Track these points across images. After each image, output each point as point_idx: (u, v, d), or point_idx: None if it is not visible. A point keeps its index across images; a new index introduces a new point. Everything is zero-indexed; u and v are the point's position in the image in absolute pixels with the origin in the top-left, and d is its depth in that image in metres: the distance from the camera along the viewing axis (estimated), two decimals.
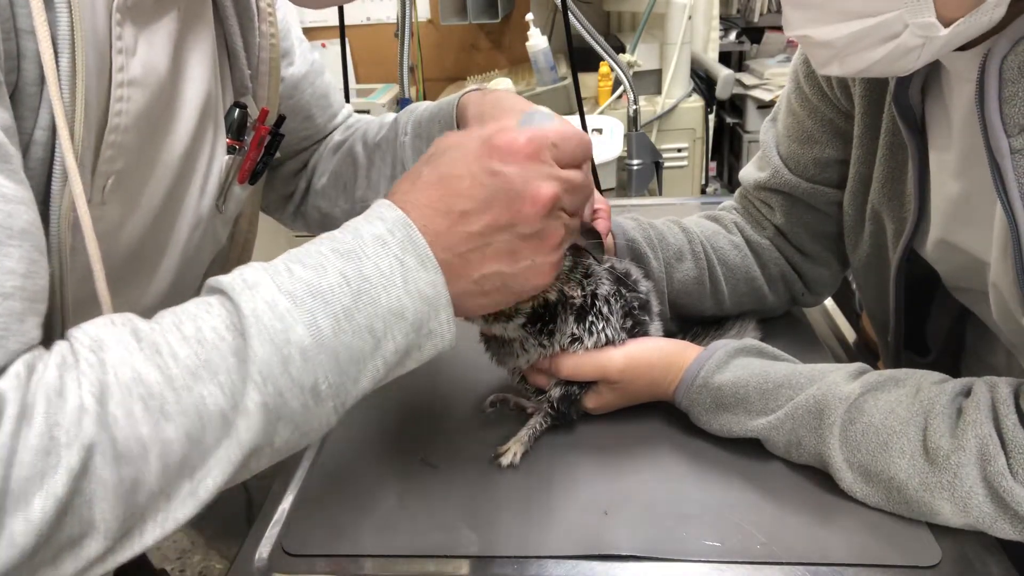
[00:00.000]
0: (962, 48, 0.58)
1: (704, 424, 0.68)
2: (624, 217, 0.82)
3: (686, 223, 0.85)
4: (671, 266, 0.80)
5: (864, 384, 0.62)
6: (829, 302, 0.96)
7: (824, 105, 0.76)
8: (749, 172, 0.86)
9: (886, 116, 0.70)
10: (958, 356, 0.81)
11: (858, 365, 0.65)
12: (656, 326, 0.73)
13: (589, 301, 0.68)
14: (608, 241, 0.78)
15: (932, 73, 0.65)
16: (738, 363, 0.67)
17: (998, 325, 0.67)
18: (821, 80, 0.75)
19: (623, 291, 0.70)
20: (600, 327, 0.68)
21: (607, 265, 0.71)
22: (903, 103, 0.66)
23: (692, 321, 0.84)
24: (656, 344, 0.71)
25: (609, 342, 0.69)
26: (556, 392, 0.70)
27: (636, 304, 0.70)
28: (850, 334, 0.92)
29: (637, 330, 0.71)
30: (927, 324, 0.81)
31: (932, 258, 0.71)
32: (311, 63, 0.87)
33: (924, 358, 0.81)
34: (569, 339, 0.68)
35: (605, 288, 0.69)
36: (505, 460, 0.67)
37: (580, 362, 0.68)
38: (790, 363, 0.68)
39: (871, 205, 0.75)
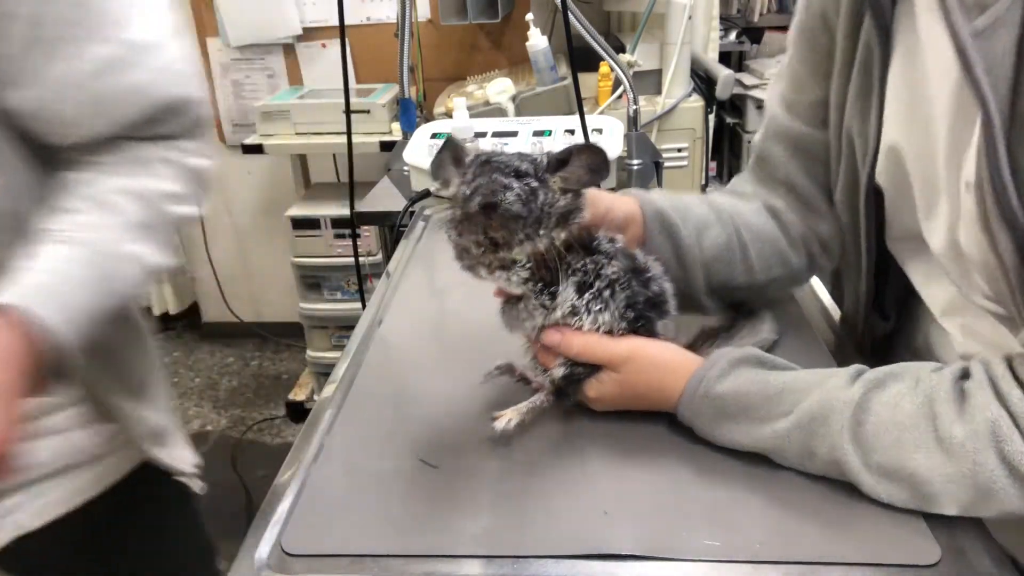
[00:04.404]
0: None
1: (710, 436, 0.68)
2: (649, 191, 0.83)
3: (708, 197, 0.86)
4: (700, 234, 0.81)
5: (864, 383, 0.62)
6: (829, 302, 0.96)
7: (821, 40, 0.76)
8: (756, 135, 0.88)
9: (864, 31, 0.70)
10: (918, 321, 0.81)
11: (856, 367, 0.65)
12: (666, 325, 0.73)
13: (591, 279, 0.69)
14: (636, 215, 0.79)
15: None
16: (739, 372, 0.67)
17: (942, 261, 0.67)
18: (817, 11, 0.76)
19: (632, 282, 0.70)
20: (598, 308, 0.69)
21: (619, 244, 0.71)
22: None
23: (723, 299, 0.85)
24: (664, 346, 0.71)
25: (607, 329, 0.69)
26: (560, 371, 0.71)
27: (642, 299, 0.71)
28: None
29: (640, 324, 0.71)
30: (886, 288, 0.81)
31: (882, 176, 0.71)
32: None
33: (887, 323, 0.82)
34: (569, 309, 0.69)
35: (612, 270, 0.69)
36: (499, 424, 0.68)
37: (588, 342, 0.69)
38: (791, 370, 0.68)
39: (845, 130, 0.75)
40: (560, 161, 0.67)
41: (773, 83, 0.86)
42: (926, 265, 0.73)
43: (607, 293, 0.69)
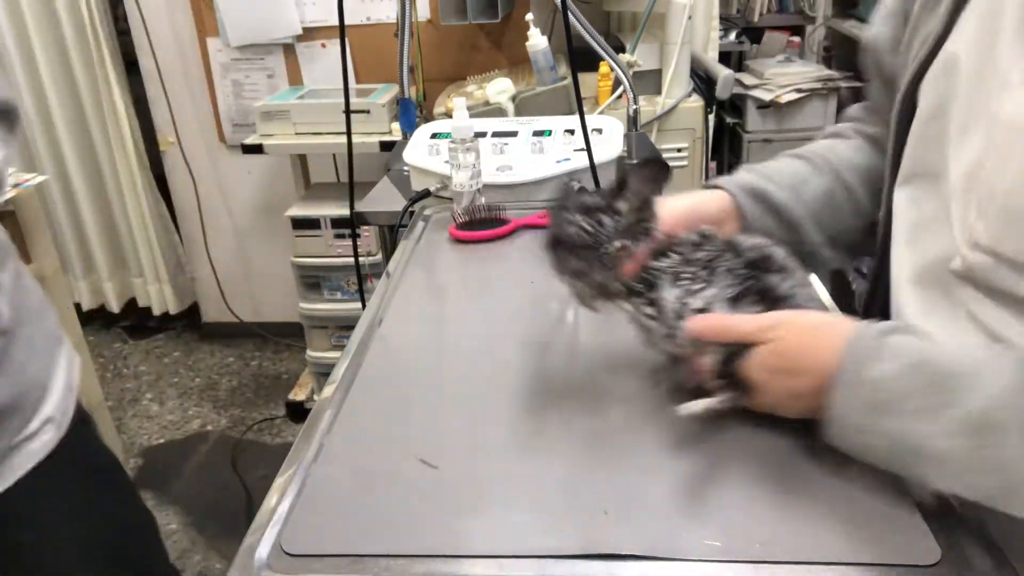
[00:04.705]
0: None
1: (858, 433, 0.59)
2: (735, 173, 0.84)
3: (800, 150, 0.87)
4: (797, 190, 0.81)
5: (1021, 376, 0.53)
6: (829, 302, 0.96)
7: None
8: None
9: None
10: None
11: (1012, 353, 0.56)
12: (786, 282, 0.71)
13: (683, 269, 0.71)
14: (728, 204, 0.81)
15: None
16: (893, 340, 0.59)
17: (954, 193, 0.62)
18: None
19: (727, 255, 0.72)
20: (699, 288, 0.70)
21: (705, 233, 0.73)
22: None
23: (844, 248, 0.84)
24: (808, 312, 0.68)
25: (720, 300, 0.70)
26: (715, 358, 0.69)
27: (742, 265, 0.71)
28: None
29: (751, 281, 0.70)
30: None
31: (928, 86, 0.68)
32: None
33: None
34: (675, 303, 0.70)
35: (701, 255, 0.72)
36: (684, 410, 0.69)
37: (728, 320, 0.68)
38: (946, 344, 0.60)
39: (907, 33, 0.73)
40: (619, 184, 0.71)
41: (875, 14, 0.83)
42: (917, 218, 0.70)
43: (703, 273, 0.71)
